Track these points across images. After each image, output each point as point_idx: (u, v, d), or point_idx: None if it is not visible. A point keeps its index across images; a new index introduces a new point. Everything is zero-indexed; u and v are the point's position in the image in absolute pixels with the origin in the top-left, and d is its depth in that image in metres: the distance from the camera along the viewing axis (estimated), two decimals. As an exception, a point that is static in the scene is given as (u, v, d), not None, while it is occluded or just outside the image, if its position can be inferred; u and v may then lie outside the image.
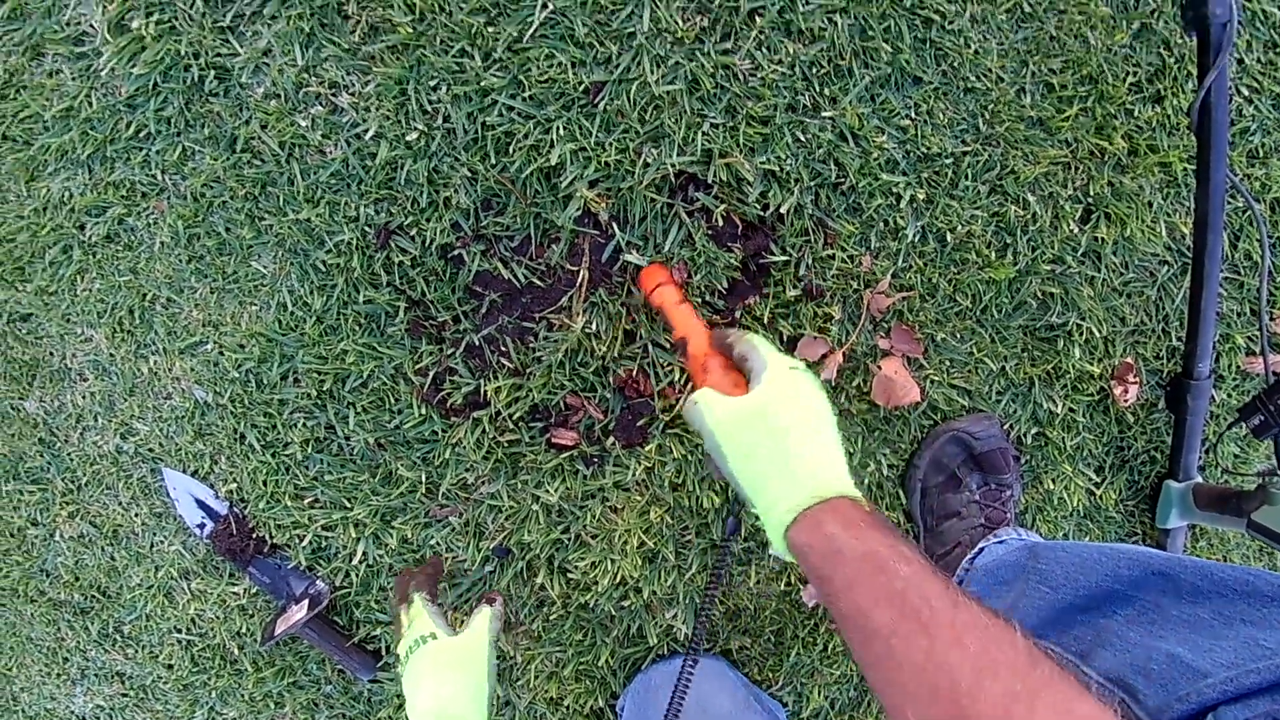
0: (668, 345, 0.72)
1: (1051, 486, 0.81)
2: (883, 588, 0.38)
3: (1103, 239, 0.74)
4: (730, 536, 0.70)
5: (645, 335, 0.72)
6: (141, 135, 0.74)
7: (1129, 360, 0.79)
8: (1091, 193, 0.73)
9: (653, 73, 0.66)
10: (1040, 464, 0.81)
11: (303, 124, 0.70)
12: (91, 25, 0.72)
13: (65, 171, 0.76)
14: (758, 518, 0.45)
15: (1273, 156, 0.76)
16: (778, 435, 0.45)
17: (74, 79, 0.74)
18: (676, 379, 0.73)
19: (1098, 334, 0.76)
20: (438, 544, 0.80)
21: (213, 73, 0.70)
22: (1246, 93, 0.74)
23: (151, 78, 0.71)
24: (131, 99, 0.73)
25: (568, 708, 0.86)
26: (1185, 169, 0.74)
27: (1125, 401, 0.79)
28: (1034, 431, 0.80)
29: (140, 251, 0.77)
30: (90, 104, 0.74)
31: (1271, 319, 0.82)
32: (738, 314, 0.71)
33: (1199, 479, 0.80)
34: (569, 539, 0.79)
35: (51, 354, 0.83)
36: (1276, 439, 0.70)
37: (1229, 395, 0.82)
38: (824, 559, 0.40)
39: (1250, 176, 0.77)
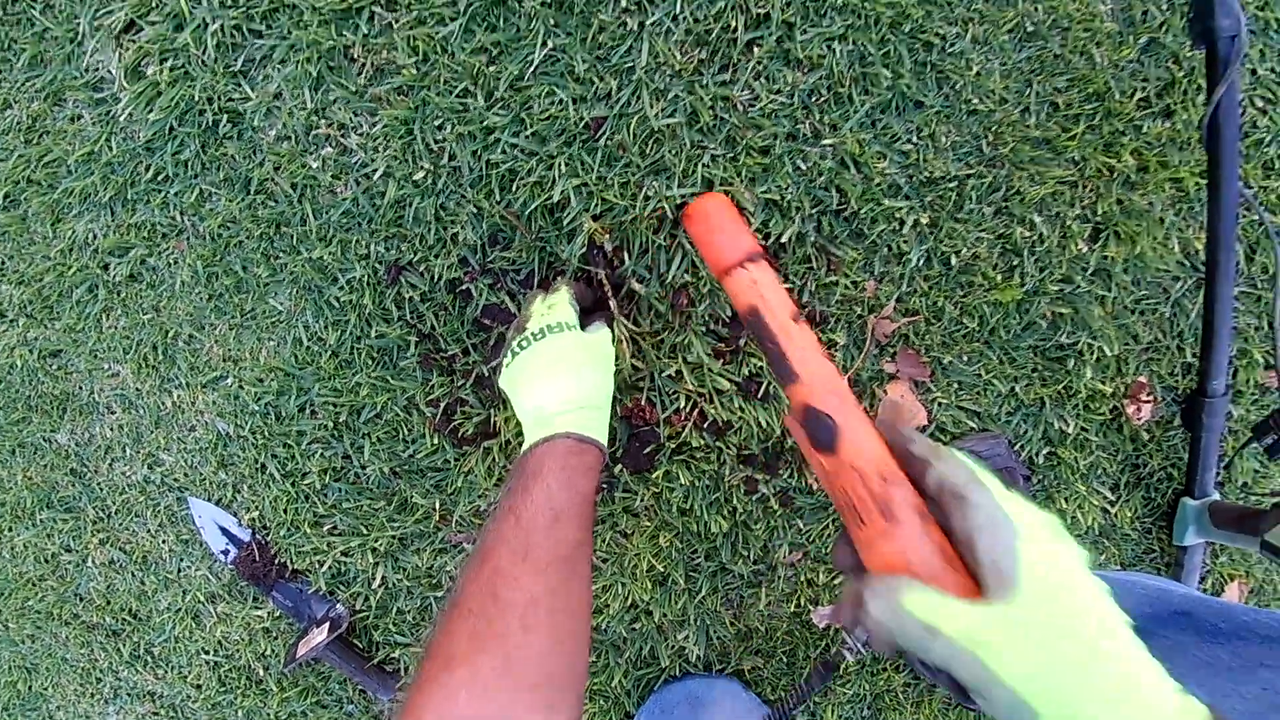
0: (673, 375, 0.74)
1: (1065, 505, 0.82)
2: None
3: (1112, 257, 0.75)
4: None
5: (651, 365, 0.74)
6: (160, 178, 0.77)
7: (1142, 379, 0.79)
8: (1100, 211, 0.74)
9: (652, 106, 0.68)
10: (1053, 483, 0.82)
11: (314, 165, 0.73)
12: (109, 71, 0.76)
13: (89, 214, 0.81)
14: None
15: (1290, 167, 0.76)
16: (1102, 658, 0.31)
17: (94, 124, 0.78)
18: (682, 406, 0.75)
19: (1110, 353, 0.77)
20: (453, 570, 0.84)
21: (226, 116, 0.74)
22: (1261, 104, 0.74)
23: (168, 122, 0.75)
24: (150, 143, 0.77)
25: (583, 727, 0.89)
26: (1197, 184, 0.74)
27: (1139, 420, 0.79)
28: (1046, 451, 0.80)
29: (162, 290, 0.81)
30: (110, 148, 0.78)
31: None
32: (742, 343, 0.73)
33: (1216, 496, 0.80)
34: (580, 563, 0.82)
35: (81, 388, 0.87)
36: None
37: (1247, 411, 0.82)
38: None
39: (1267, 189, 0.77)
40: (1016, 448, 0.80)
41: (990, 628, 0.31)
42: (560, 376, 0.56)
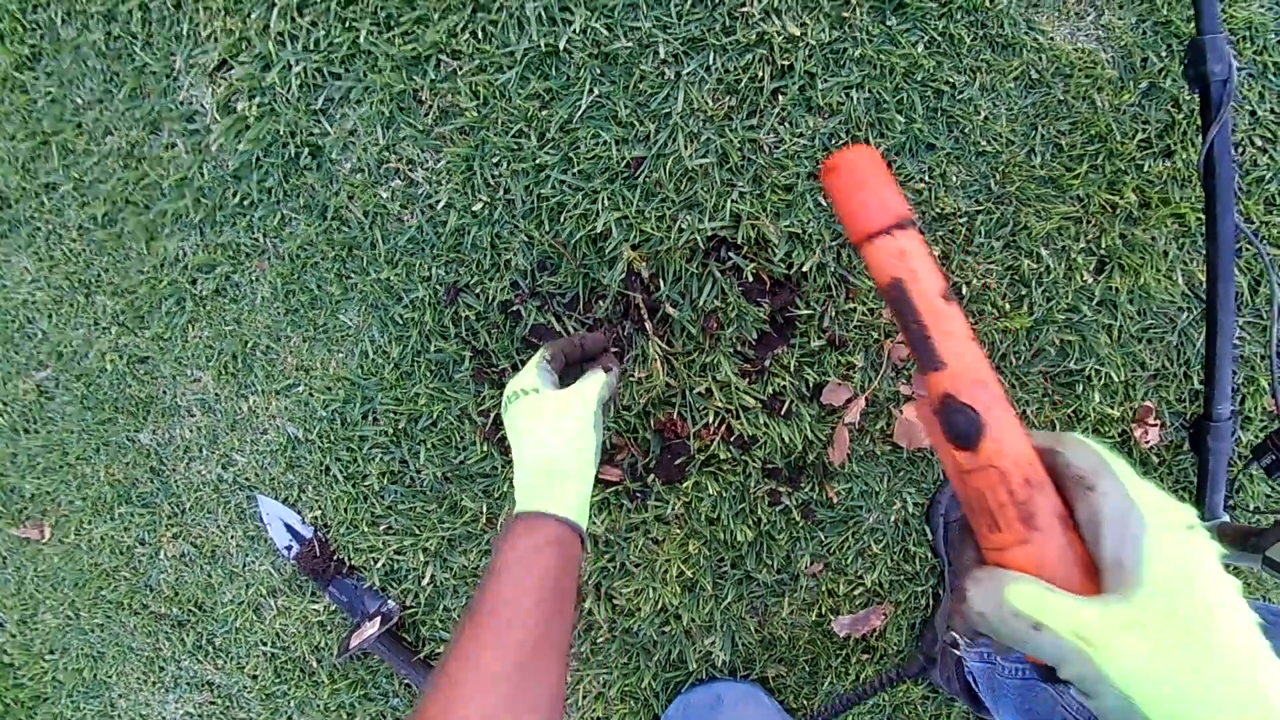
0: (703, 393, 0.81)
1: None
2: None
3: (1117, 288, 0.80)
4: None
5: (682, 382, 0.82)
6: (246, 203, 0.88)
7: (1149, 404, 0.84)
8: (1104, 245, 0.80)
9: (686, 148, 0.76)
10: (1065, 501, 0.86)
11: (384, 195, 0.83)
12: (202, 105, 0.87)
13: (180, 233, 0.91)
14: None
15: (1290, 205, 0.81)
16: (1232, 668, 0.29)
17: (187, 152, 0.89)
18: (711, 421, 0.82)
19: (1117, 379, 0.82)
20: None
21: (307, 149, 0.84)
22: (1260, 143, 0.80)
23: (255, 153, 0.85)
24: (237, 171, 0.87)
25: (611, 725, 0.94)
26: (1198, 219, 0.80)
27: (1146, 443, 0.83)
28: (1057, 470, 0.85)
29: (243, 304, 0.91)
30: (202, 175, 0.88)
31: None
32: (767, 363, 0.80)
33: (1226, 518, 0.84)
34: (614, 567, 0.88)
35: (164, 392, 0.97)
36: None
37: (1256, 436, 0.86)
38: None
39: (1269, 224, 0.82)
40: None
41: (1104, 626, 0.29)
42: (522, 445, 0.56)
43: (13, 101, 0.92)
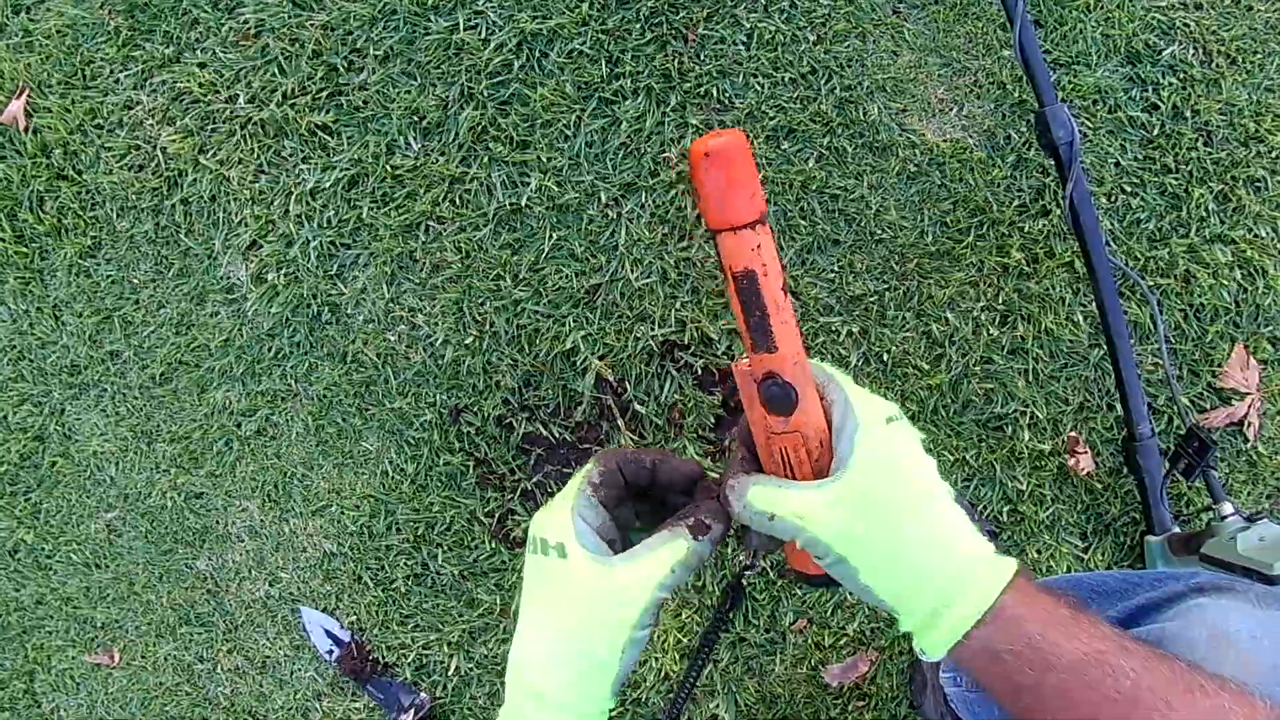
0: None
1: (1038, 556, 0.97)
2: (1108, 692, 0.34)
3: (1023, 336, 0.95)
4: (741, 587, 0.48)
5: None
6: (279, 355, 1.09)
7: (1075, 434, 0.96)
8: (1002, 301, 0.95)
9: (633, 271, 0.95)
10: (1022, 537, 0.97)
11: (392, 338, 1.03)
12: (239, 278, 1.10)
13: (225, 385, 1.12)
14: (905, 632, 0.38)
15: (1170, 236, 0.96)
16: (917, 522, 0.37)
17: (229, 318, 1.11)
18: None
19: (1042, 416, 0.95)
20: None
21: (327, 307, 1.05)
22: (1129, 188, 0.95)
23: (284, 314, 1.07)
24: (271, 330, 1.08)
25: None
26: (1082, 265, 0.95)
27: (1082, 471, 0.95)
28: (1008, 509, 0.97)
29: (281, 441, 1.10)
30: (241, 335, 1.10)
31: (1215, 375, 0.97)
32: (726, 442, 0.95)
33: (1175, 529, 0.94)
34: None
35: (217, 522, 1.16)
36: (1203, 476, 0.85)
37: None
38: (1023, 666, 0.35)
39: (1154, 258, 0.96)
40: (979, 509, 0.96)
41: (815, 504, 0.37)
42: (524, 633, 0.40)
43: (79, 285, 1.17)
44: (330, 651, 1.10)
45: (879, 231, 0.95)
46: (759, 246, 0.37)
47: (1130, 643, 0.36)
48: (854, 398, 0.40)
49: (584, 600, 0.38)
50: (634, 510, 0.45)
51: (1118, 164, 0.96)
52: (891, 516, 0.37)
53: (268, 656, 1.16)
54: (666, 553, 0.39)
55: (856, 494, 0.37)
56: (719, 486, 0.42)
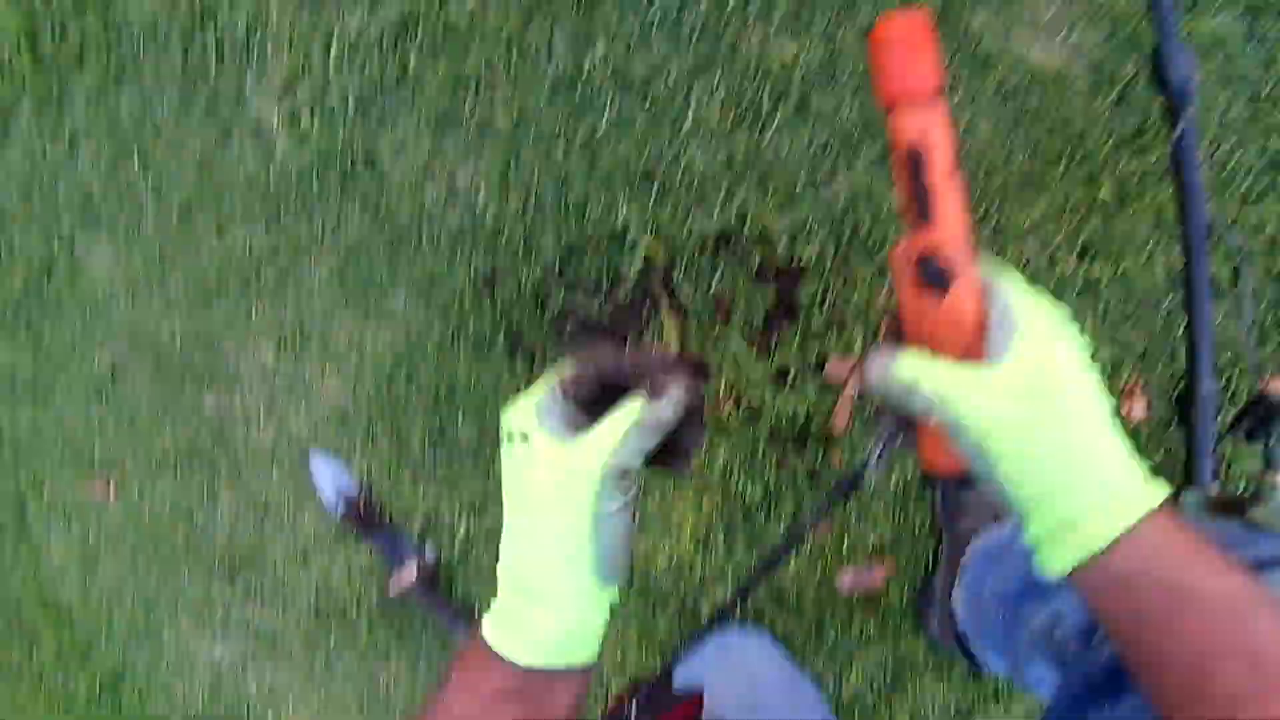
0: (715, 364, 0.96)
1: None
2: (1246, 640, 0.34)
3: (1099, 276, 0.93)
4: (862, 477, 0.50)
5: (696, 347, 0.97)
6: (306, 202, 1.06)
7: (1133, 382, 0.96)
8: (1083, 236, 0.92)
9: (698, 154, 0.91)
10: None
11: (430, 196, 1.00)
12: (269, 121, 1.05)
13: (246, 227, 1.10)
14: (1033, 542, 0.38)
15: (1267, 197, 0.93)
16: (1068, 425, 0.36)
17: (255, 161, 1.07)
18: (721, 390, 0.97)
19: (1104, 357, 0.95)
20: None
21: (361, 157, 1.01)
22: (1229, 146, 0.92)
23: (314, 161, 1.04)
24: (299, 175, 1.05)
25: (630, 674, 1.10)
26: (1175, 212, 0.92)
27: (1132, 418, 0.96)
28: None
29: (302, 289, 1.09)
30: (268, 178, 1.06)
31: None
32: (773, 340, 0.95)
33: (1215, 489, 0.95)
34: (630, 524, 1.04)
35: (228, 362, 1.17)
36: (1265, 441, 0.86)
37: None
38: (1155, 601, 0.35)
39: (1243, 217, 0.93)
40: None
41: (965, 386, 0.37)
42: (507, 528, 0.41)
43: (98, 115, 1.12)
44: (335, 502, 1.13)
45: (965, 145, 0.91)
46: (931, 123, 0.38)
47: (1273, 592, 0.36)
48: (1019, 293, 0.39)
49: (549, 482, 0.38)
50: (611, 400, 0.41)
51: (1222, 116, 0.92)
52: (1041, 412, 0.36)
53: (270, 501, 1.19)
54: (621, 415, 0.38)
55: (1007, 381, 0.37)
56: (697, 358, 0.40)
